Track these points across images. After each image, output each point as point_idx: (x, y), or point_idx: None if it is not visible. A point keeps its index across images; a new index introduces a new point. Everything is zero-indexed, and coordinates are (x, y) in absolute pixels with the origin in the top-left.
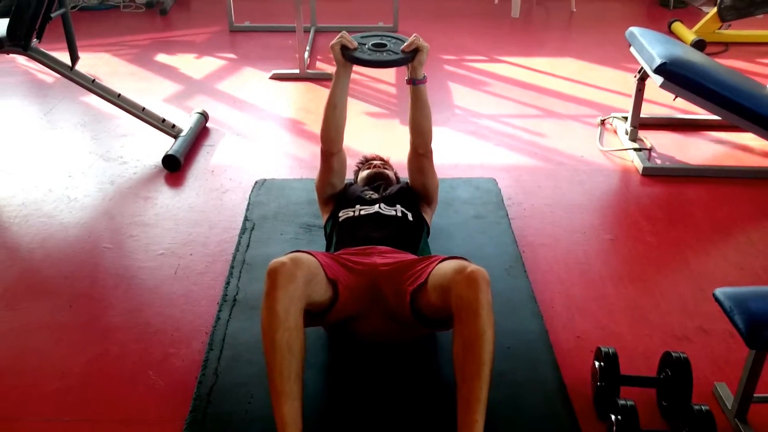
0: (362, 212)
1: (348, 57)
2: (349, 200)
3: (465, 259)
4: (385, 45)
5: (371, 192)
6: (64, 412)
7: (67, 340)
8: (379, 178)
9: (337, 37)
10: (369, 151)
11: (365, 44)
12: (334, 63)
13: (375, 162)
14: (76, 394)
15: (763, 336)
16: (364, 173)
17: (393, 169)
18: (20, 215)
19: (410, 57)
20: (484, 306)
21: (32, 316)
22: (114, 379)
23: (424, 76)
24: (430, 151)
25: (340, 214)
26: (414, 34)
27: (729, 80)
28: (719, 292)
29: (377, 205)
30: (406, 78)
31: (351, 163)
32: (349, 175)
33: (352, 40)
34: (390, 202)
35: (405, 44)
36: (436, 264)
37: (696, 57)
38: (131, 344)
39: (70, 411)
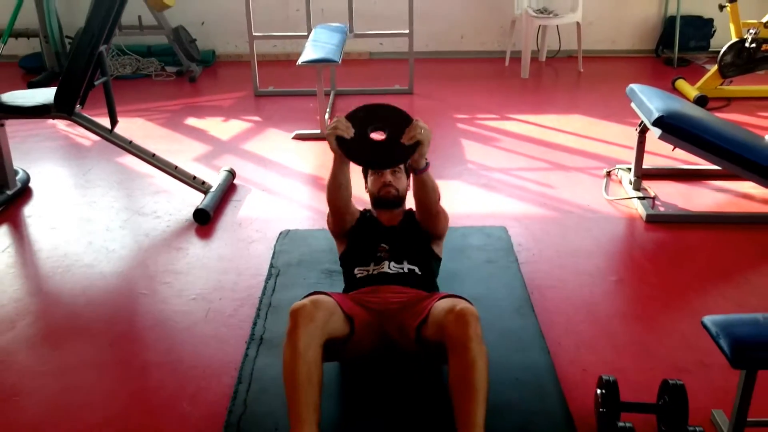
0: (374, 271)
1: (345, 151)
2: (364, 254)
3: (461, 297)
4: (384, 129)
5: (383, 245)
6: None
7: (107, 377)
8: (388, 201)
9: (332, 123)
10: None
11: (364, 128)
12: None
13: (386, 178)
14: (118, 424)
15: (746, 356)
16: (373, 185)
17: (402, 170)
18: (63, 265)
19: (411, 152)
20: (474, 339)
21: (75, 355)
22: (151, 411)
23: (427, 164)
24: (438, 212)
25: (356, 272)
26: (415, 120)
27: (724, 131)
28: (707, 319)
29: (387, 264)
30: (407, 166)
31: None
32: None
33: (348, 127)
34: (398, 258)
35: (405, 136)
36: (435, 301)
37: (693, 110)
38: (166, 379)
39: None
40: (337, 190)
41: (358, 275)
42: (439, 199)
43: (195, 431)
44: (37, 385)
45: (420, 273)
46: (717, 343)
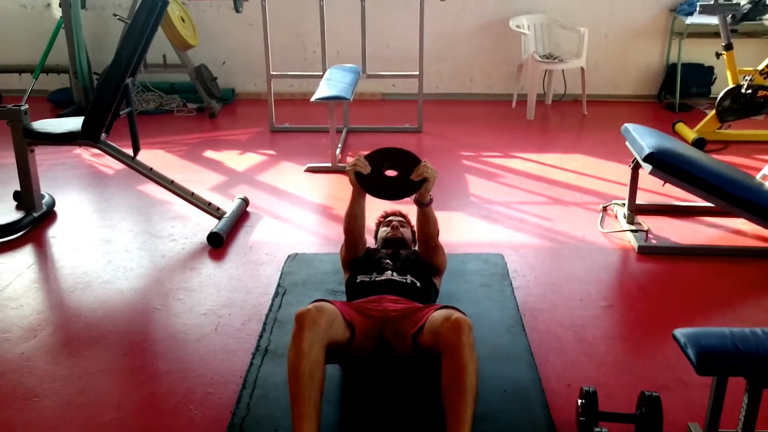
0: (377, 278)
1: (363, 185)
2: (367, 267)
3: (456, 309)
4: (396, 168)
5: (387, 260)
6: None
7: (121, 381)
8: (395, 241)
9: (352, 161)
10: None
11: (379, 166)
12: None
13: (393, 222)
14: (129, 424)
15: (709, 364)
16: (383, 233)
17: (410, 225)
18: (83, 282)
19: (418, 186)
20: (466, 346)
21: (92, 362)
22: (161, 413)
23: (431, 200)
24: (437, 245)
25: (358, 278)
26: (423, 162)
27: (713, 168)
28: (677, 331)
29: (390, 273)
30: (414, 199)
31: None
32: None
33: (366, 165)
34: (402, 272)
35: (414, 173)
36: (433, 311)
37: (683, 149)
38: (176, 385)
39: None
40: (353, 221)
41: (360, 280)
42: (437, 234)
43: (201, 430)
44: (56, 388)
45: (420, 287)
46: (685, 352)
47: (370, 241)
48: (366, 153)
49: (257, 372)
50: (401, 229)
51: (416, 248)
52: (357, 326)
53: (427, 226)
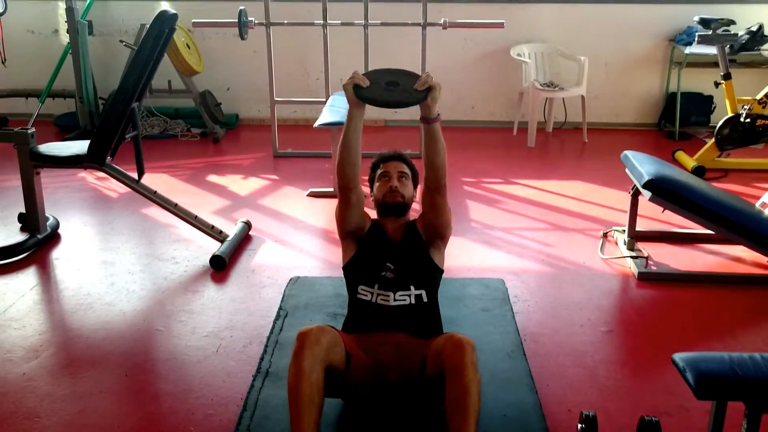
0: (380, 300)
1: (361, 96)
2: (369, 271)
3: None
4: (397, 83)
5: (389, 264)
6: None
7: (122, 402)
8: (395, 207)
9: (350, 76)
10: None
11: (379, 82)
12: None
13: (393, 183)
14: None
15: (708, 388)
16: (379, 191)
17: (410, 177)
18: (85, 303)
19: (423, 96)
20: (469, 366)
21: (93, 383)
22: None
23: (438, 115)
24: (443, 186)
25: (360, 291)
26: (426, 72)
27: (713, 195)
28: (676, 356)
29: (393, 294)
30: (420, 117)
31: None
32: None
33: (364, 79)
34: (405, 283)
35: (418, 83)
36: (433, 342)
37: (682, 176)
38: (177, 405)
39: None
40: (347, 148)
41: (361, 296)
42: (445, 164)
43: None
44: (57, 408)
45: (426, 300)
46: (684, 376)
47: (369, 211)
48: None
49: (258, 394)
50: (401, 187)
51: (416, 219)
52: (353, 359)
53: (435, 149)
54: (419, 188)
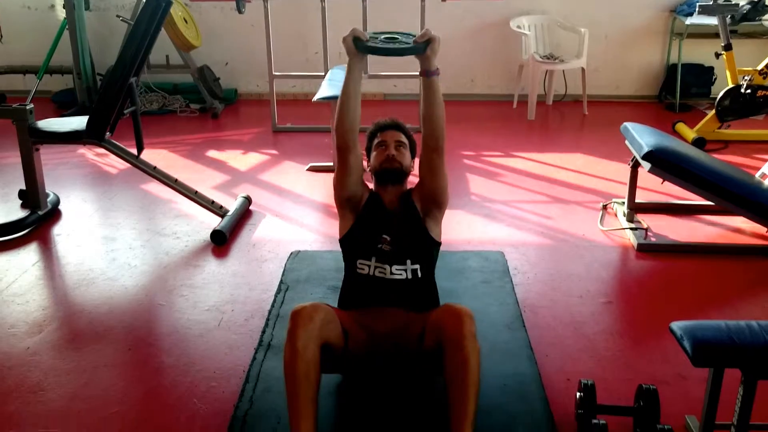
0: (377, 272)
1: (360, 47)
2: (366, 245)
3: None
4: (396, 38)
5: (385, 236)
6: (122, 429)
7: (126, 375)
8: (392, 174)
9: (350, 30)
10: None
11: (377, 38)
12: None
13: (390, 151)
14: (133, 416)
15: (705, 355)
16: (376, 159)
17: (407, 146)
18: (88, 278)
19: (423, 47)
20: (468, 336)
21: (97, 357)
22: (164, 406)
23: (437, 69)
24: (442, 147)
25: (358, 265)
26: (426, 27)
27: (712, 166)
28: (674, 324)
29: (389, 267)
30: (420, 71)
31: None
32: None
33: (364, 33)
34: (401, 258)
35: (418, 36)
36: (431, 315)
37: (682, 147)
38: (179, 378)
39: (127, 428)
40: (346, 102)
41: (360, 270)
42: (443, 120)
43: (204, 425)
44: (61, 382)
45: (421, 275)
46: (681, 344)
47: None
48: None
49: (260, 366)
50: (398, 155)
51: (412, 189)
52: (351, 334)
53: (435, 104)
54: (416, 159)
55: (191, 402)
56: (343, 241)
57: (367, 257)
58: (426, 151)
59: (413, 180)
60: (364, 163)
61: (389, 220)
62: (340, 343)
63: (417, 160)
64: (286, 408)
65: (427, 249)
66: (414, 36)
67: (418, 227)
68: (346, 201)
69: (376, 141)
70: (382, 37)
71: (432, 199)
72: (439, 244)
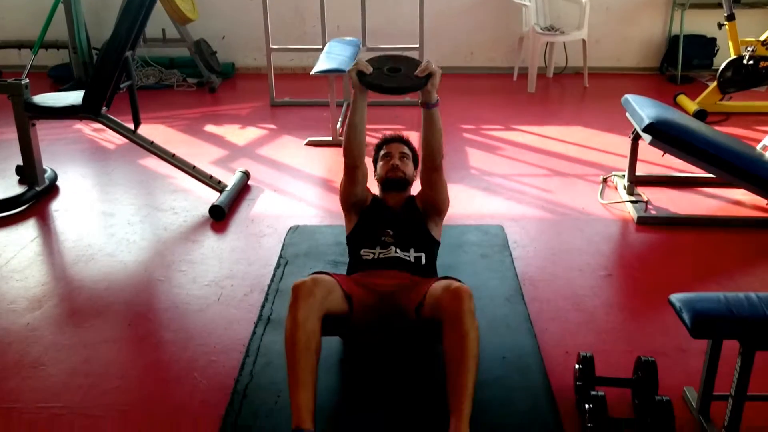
0: (381, 255)
1: (365, 83)
2: (370, 237)
3: (455, 279)
4: (399, 69)
5: (389, 230)
6: (123, 403)
7: (126, 350)
8: (396, 183)
9: (354, 63)
10: None
11: (381, 68)
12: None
13: (395, 161)
14: (134, 391)
15: (703, 327)
16: (382, 169)
17: (410, 154)
18: (86, 254)
19: (423, 82)
20: (467, 313)
21: (97, 332)
22: (164, 380)
23: (437, 100)
24: (440, 166)
25: (362, 253)
26: (426, 59)
27: (713, 138)
28: (673, 297)
29: (394, 249)
30: (420, 101)
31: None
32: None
33: (368, 66)
34: (405, 245)
35: (418, 69)
36: (433, 283)
37: (683, 119)
38: (179, 353)
39: (128, 403)
40: (353, 131)
41: (365, 257)
42: (442, 146)
43: (204, 398)
44: (61, 357)
45: (424, 263)
46: (680, 316)
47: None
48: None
49: (260, 341)
50: (402, 166)
51: (415, 195)
52: (355, 298)
53: (433, 132)
54: (419, 168)
55: (191, 376)
56: (349, 238)
57: (371, 247)
58: (425, 170)
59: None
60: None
61: (392, 217)
62: (343, 309)
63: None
64: (286, 381)
65: (428, 245)
66: (417, 62)
67: (419, 226)
68: (351, 206)
69: (382, 152)
70: (386, 68)
71: (433, 208)
72: (438, 243)
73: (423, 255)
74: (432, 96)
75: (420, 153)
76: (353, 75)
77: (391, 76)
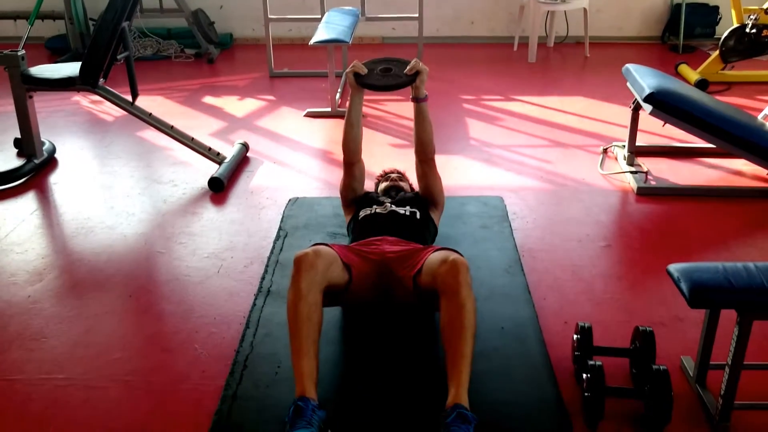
0: (377, 210)
1: (360, 83)
2: (368, 203)
3: (453, 250)
4: (391, 69)
5: (386, 198)
6: (125, 374)
7: (127, 322)
8: (394, 189)
9: (350, 66)
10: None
11: (375, 69)
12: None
13: (392, 176)
14: (135, 362)
15: (701, 297)
16: (382, 185)
17: (408, 181)
18: (86, 227)
19: (412, 79)
20: (463, 285)
21: (98, 304)
22: (166, 351)
23: (426, 95)
24: (431, 159)
25: (360, 213)
26: (414, 59)
27: (714, 108)
28: (672, 267)
29: (390, 205)
30: (411, 97)
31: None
32: (369, 185)
33: (363, 67)
34: (401, 204)
35: (407, 68)
36: (430, 253)
37: (684, 89)
38: (180, 325)
39: (130, 373)
40: (350, 128)
41: (362, 215)
42: (432, 137)
43: (205, 369)
44: (63, 329)
45: (419, 219)
46: (678, 286)
47: (369, 187)
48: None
49: (260, 312)
50: (400, 182)
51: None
52: (354, 269)
53: (424, 125)
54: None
55: (192, 348)
56: (350, 223)
57: (369, 206)
58: (419, 164)
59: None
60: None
61: (391, 193)
62: (343, 279)
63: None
64: (286, 353)
65: (425, 217)
66: (406, 62)
67: (418, 200)
68: (351, 201)
69: (382, 178)
70: (379, 69)
71: (430, 200)
72: (436, 228)
73: (417, 212)
74: (421, 91)
75: (413, 146)
76: (350, 76)
77: (383, 76)
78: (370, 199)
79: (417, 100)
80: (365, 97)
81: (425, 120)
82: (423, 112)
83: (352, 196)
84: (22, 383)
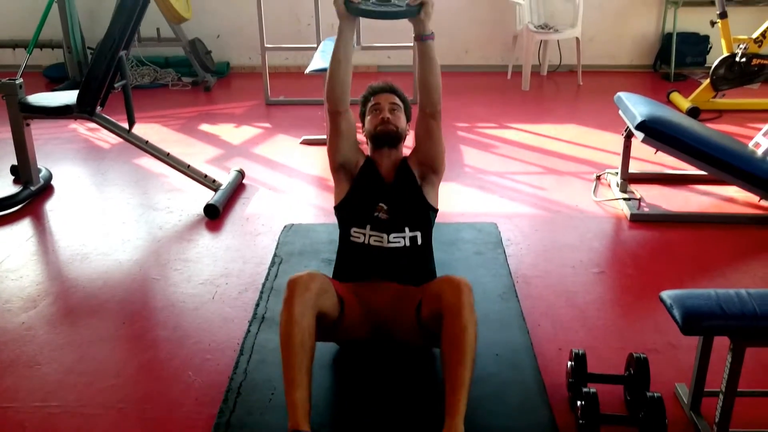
0: (372, 241)
1: (351, 9)
2: (362, 213)
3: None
4: (388, 1)
5: (382, 205)
6: (118, 401)
7: (121, 348)
8: (387, 137)
9: None
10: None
11: (369, 0)
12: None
13: (384, 114)
14: (128, 388)
15: (694, 324)
16: (371, 124)
17: (402, 109)
18: (81, 253)
19: (416, 10)
20: (466, 306)
21: (92, 331)
22: (159, 378)
23: (432, 32)
24: (438, 112)
25: (352, 233)
26: None
27: (705, 136)
28: (664, 294)
29: (386, 236)
30: (414, 35)
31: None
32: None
33: None
34: (399, 225)
35: None
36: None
37: (676, 117)
38: (175, 351)
39: (123, 401)
40: (337, 66)
41: (354, 239)
42: (440, 86)
43: (198, 396)
44: (56, 356)
45: (420, 243)
46: (671, 313)
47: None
48: None
49: (254, 339)
50: (393, 119)
51: (407, 156)
52: (347, 304)
53: (430, 68)
54: (412, 122)
55: (186, 374)
56: (338, 209)
57: (361, 225)
58: (422, 117)
59: (407, 147)
60: (359, 129)
61: (385, 187)
62: (335, 312)
63: (412, 126)
64: (280, 379)
65: (425, 215)
66: None
67: (415, 194)
68: (340, 166)
69: (370, 104)
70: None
71: (429, 165)
72: (437, 210)
73: (418, 234)
74: (426, 27)
75: (418, 95)
76: (340, 2)
77: (380, 3)
78: (364, 203)
79: (421, 37)
80: (353, 86)
81: (432, 62)
82: (429, 53)
83: (341, 159)
84: (15, 410)
